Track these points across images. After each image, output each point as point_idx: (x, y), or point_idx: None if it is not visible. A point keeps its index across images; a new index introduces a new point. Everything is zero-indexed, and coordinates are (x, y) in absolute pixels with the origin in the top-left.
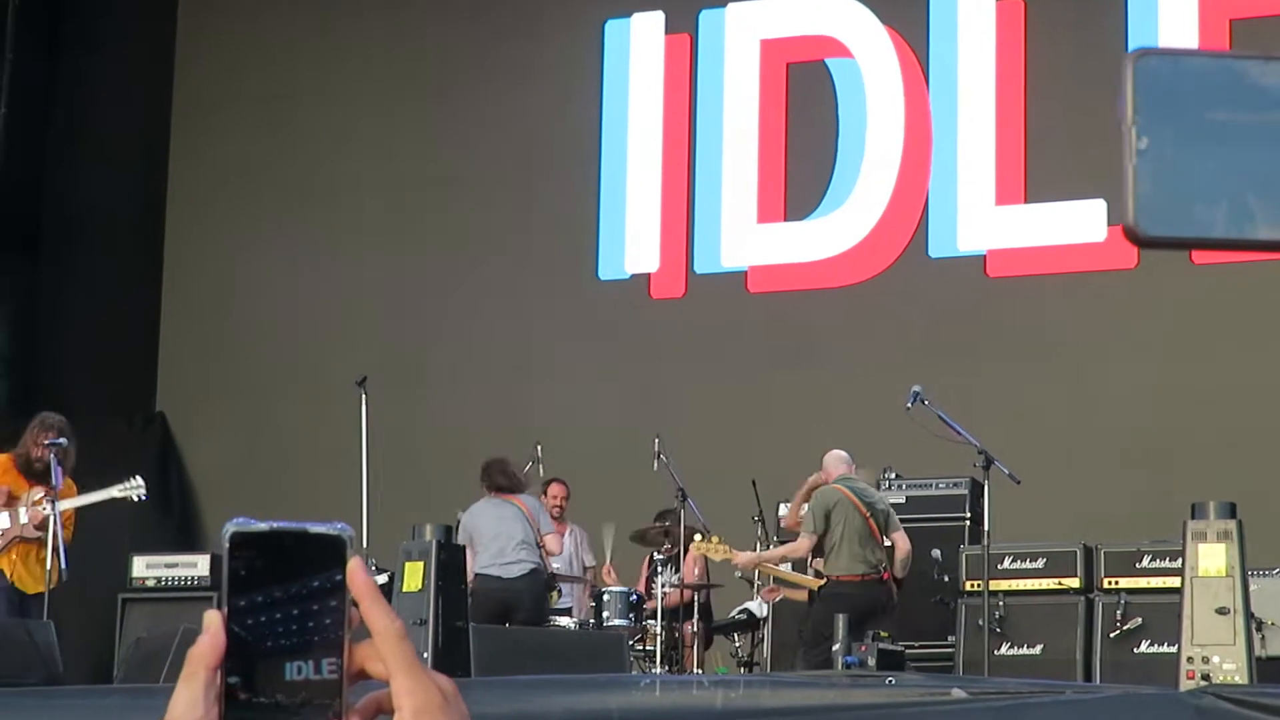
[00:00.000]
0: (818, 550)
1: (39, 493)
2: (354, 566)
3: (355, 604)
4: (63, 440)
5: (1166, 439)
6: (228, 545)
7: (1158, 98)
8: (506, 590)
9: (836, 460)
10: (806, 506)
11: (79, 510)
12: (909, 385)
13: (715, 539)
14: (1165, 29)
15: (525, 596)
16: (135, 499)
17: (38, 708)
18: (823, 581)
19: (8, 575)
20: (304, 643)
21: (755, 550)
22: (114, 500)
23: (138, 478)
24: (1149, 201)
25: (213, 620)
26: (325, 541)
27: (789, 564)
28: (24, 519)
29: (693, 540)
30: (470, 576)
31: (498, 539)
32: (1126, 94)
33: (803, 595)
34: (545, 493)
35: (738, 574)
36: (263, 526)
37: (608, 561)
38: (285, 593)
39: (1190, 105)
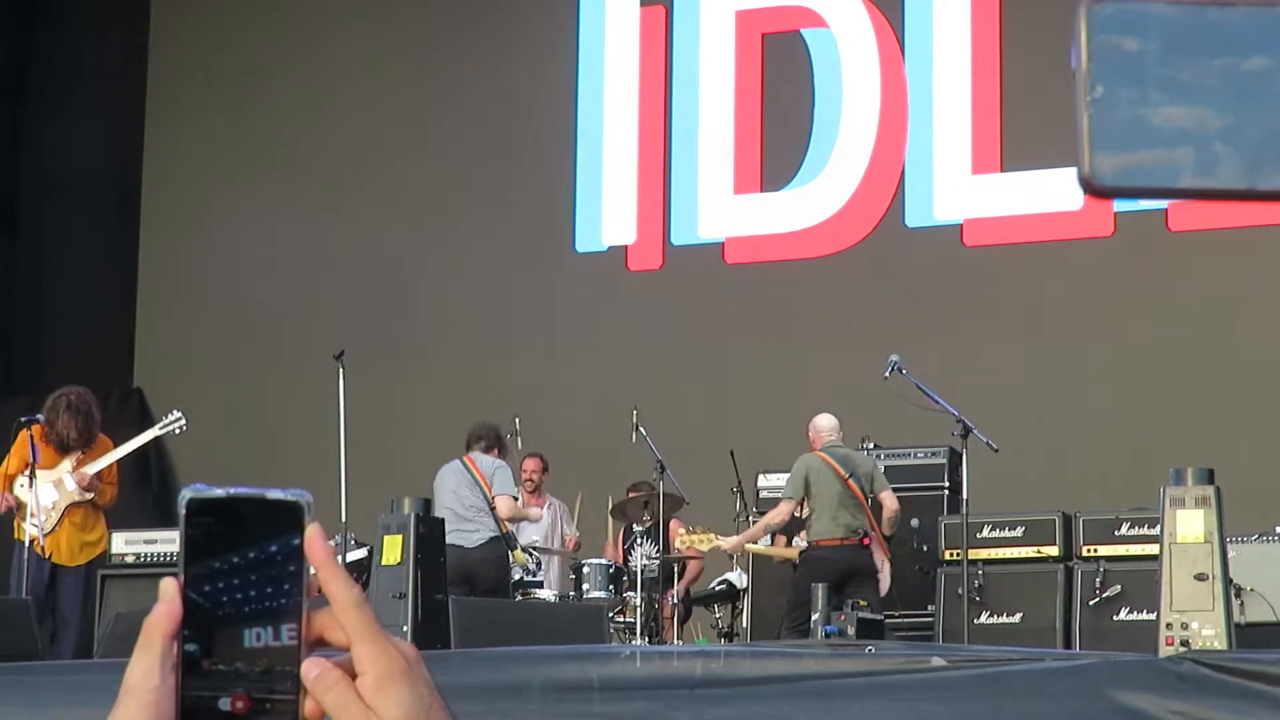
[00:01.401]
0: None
1: (71, 461)
2: (312, 533)
3: (314, 571)
4: (39, 417)
5: (1144, 406)
6: (184, 512)
7: (1112, 45)
8: (466, 560)
9: (821, 427)
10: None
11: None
12: (887, 355)
13: (699, 528)
14: None
15: (486, 566)
16: (177, 431)
17: (16, 684)
18: (803, 548)
19: (44, 551)
20: (263, 609)
21: (736, 533)
22: (143, 456)
23: (176, 411)
24: (1105, 151)
25: (169, 588)
26: (283, 507)
27: (769, 535)
28: (70, 485)
29: (678, 534)
30: None
31: (456, 504)
32: (1080, 41)
33: (779, 553)
34: (521, 467)
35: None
36: (220, 492)
37: (574, 527)
38: (243, 559)
39: (1146, 52)
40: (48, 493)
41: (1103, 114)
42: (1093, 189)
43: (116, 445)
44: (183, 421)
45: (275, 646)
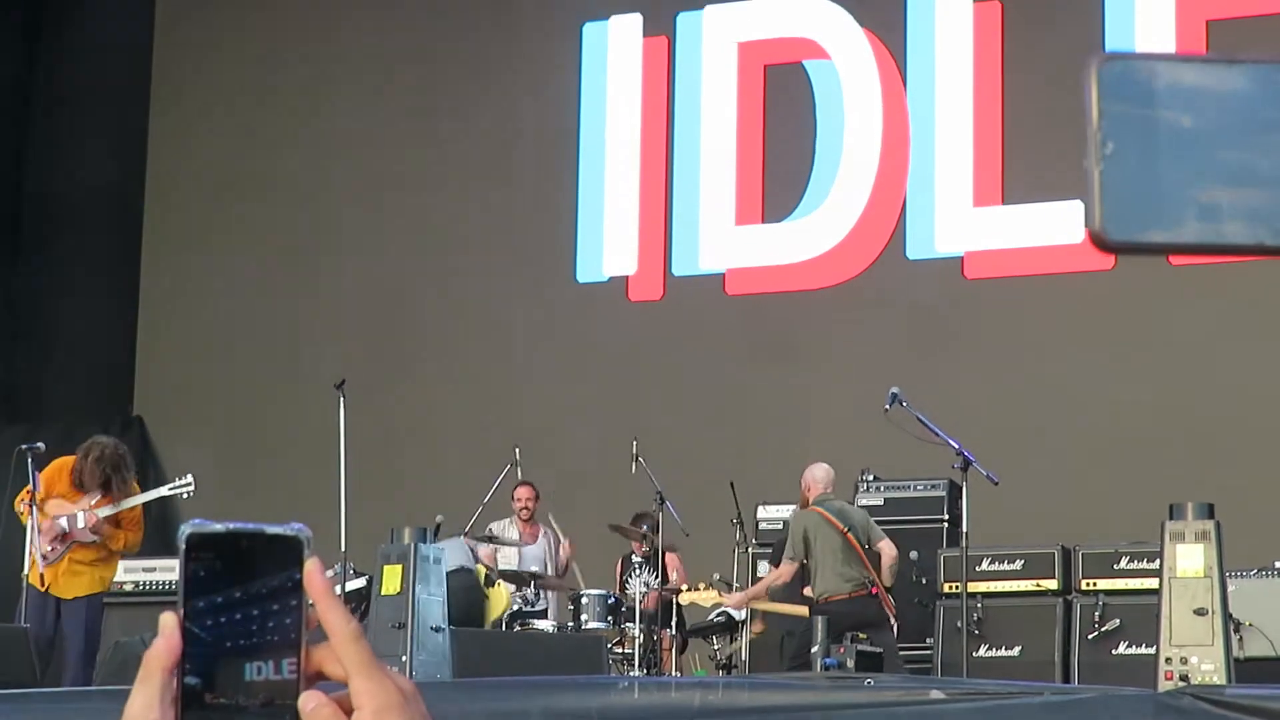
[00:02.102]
0: (807, 575)
1: (94, 498)
2: (311, 567)
3: (312, 605)
4: (40, 445)
5: (1144, 440)
6: (184, 547)
7: (1122, 102)
8: None
9: (817, 479)
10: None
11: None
12: (887, 387)
13: (702, 585)
14: (1142, 31)
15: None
16: (184, 496)
17: (15, 711)
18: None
19: (40, 586)
20: (263, 643)
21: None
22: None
23: (189, 475)
24: (1115, 207)
25: (168, 622)
26: (283, 542)
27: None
28: (81, 523)
29: (683, 588)
30: None
31: None
32: (1091, 99)
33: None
34: (513, 495)
35: (716, 577)
36: (219, 528)
37: (565, 541)
38: (244, 593)
39: (1155, 109)
40: (59, 525)
41: (1114, 170)
42: (1104, 244)
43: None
44: (192, 487)
45: (275, 680)
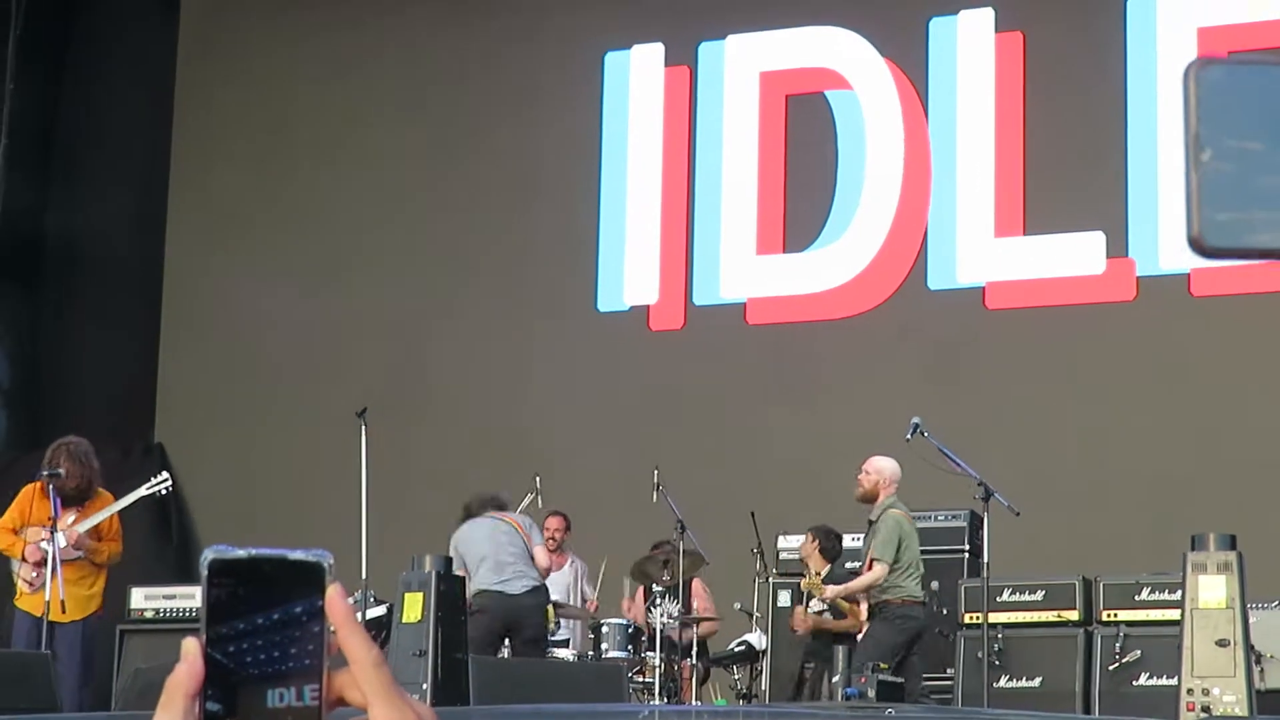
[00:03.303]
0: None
1: (70, 516)
2: (333, 593)
3: (333, 631)
4: (60, 471)
5: (1166, 471)
6: (206, 573)
7: (1219, 108)
8: (511, 607)
9: (895, 476)
10: (879, 535)
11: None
12: (908, 417)
13: (813, 574)
14: (1164, 62)
15: (531, 614)
16: (163, 493)
17: None
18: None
19: (34, 612)
20: (286, 670)
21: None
22: (143, 499)
23: (164, 473)
24: (1213, 212)
25: (190, 648)
26: (305, 568)
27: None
28: (61, 542)
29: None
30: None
31: (495, 553)
32: (1189, 104)
33: (842, 625)
34: (543, 525)
35: (737, 607)
36: (241, 553)
37: (595, 591)
38: (266, 619)
39: (1254, 113)
40: (41, 549)
41: (1212, 175)
42: (1202, 249)
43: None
44: (169, 483)
45: (298, 707)
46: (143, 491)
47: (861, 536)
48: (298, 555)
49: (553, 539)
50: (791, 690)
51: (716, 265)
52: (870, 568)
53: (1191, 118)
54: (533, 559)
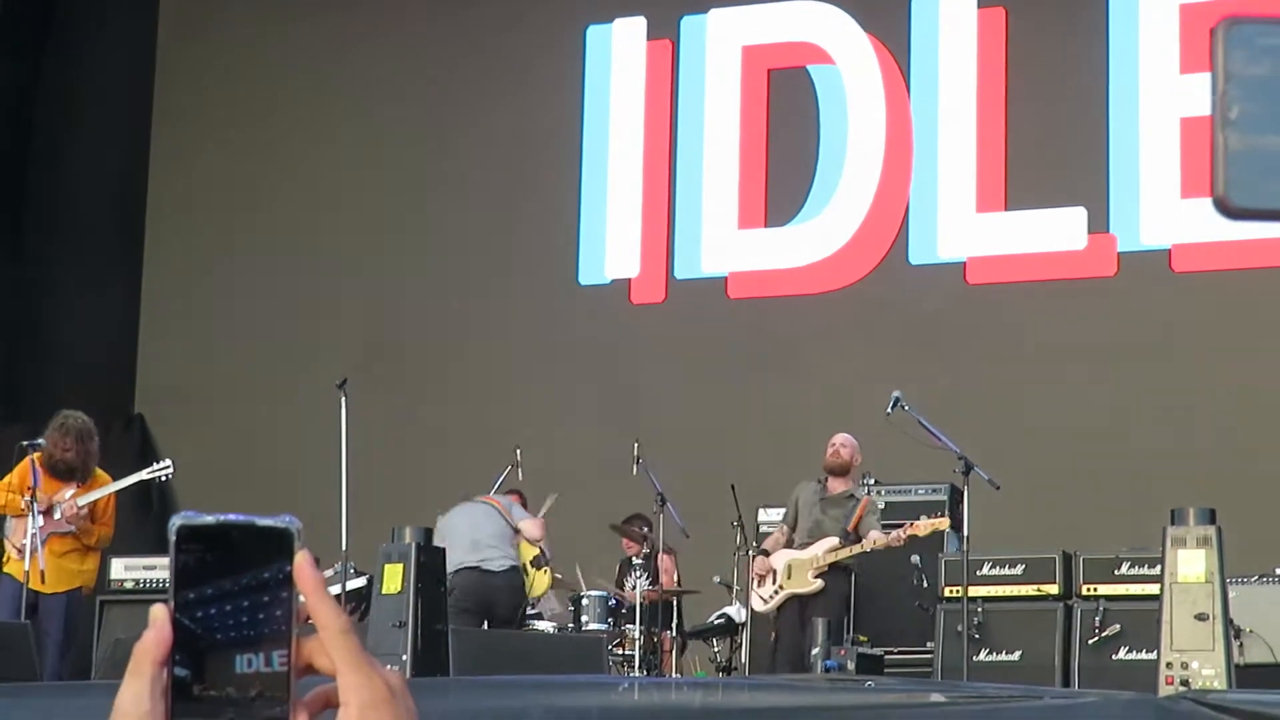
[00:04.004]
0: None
1: (69, 490)
2: (301, 560)
3: (302, 598)
4: (40, 442)
5: (1145, 445)
6: (174, 538)
7: (1249, 66)
8: (488, 586)
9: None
10: (874, 514)
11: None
12: (889, 391)
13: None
14: (1146, 38)
15: (505, 593)
16: (163, 479)
17: (15, 705)
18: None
19: (18, 577)
20: (254, 635)
21: (735, 568)
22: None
23: (166, 460)
24: (1240, 172)
25: (159, 614)
26: (273, 534)
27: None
28: (57, 515)
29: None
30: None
31: (472, 532)
32: (1218, 61)
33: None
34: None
35: (716, 580)
36: (210, 519)
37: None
38: (234, 585)
39: None
40: (36, 520)
41: (1239, 135)
42: (1228, 210)
43: (114, 479)
44: (170, 470)
45: (266, 673)
46: (144, 475)
47: (782, 511)
48: (265, 522)
49: None
50: (769, 659)
51: (698, 239)
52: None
53: (1219, 77)
54: (515, 534)
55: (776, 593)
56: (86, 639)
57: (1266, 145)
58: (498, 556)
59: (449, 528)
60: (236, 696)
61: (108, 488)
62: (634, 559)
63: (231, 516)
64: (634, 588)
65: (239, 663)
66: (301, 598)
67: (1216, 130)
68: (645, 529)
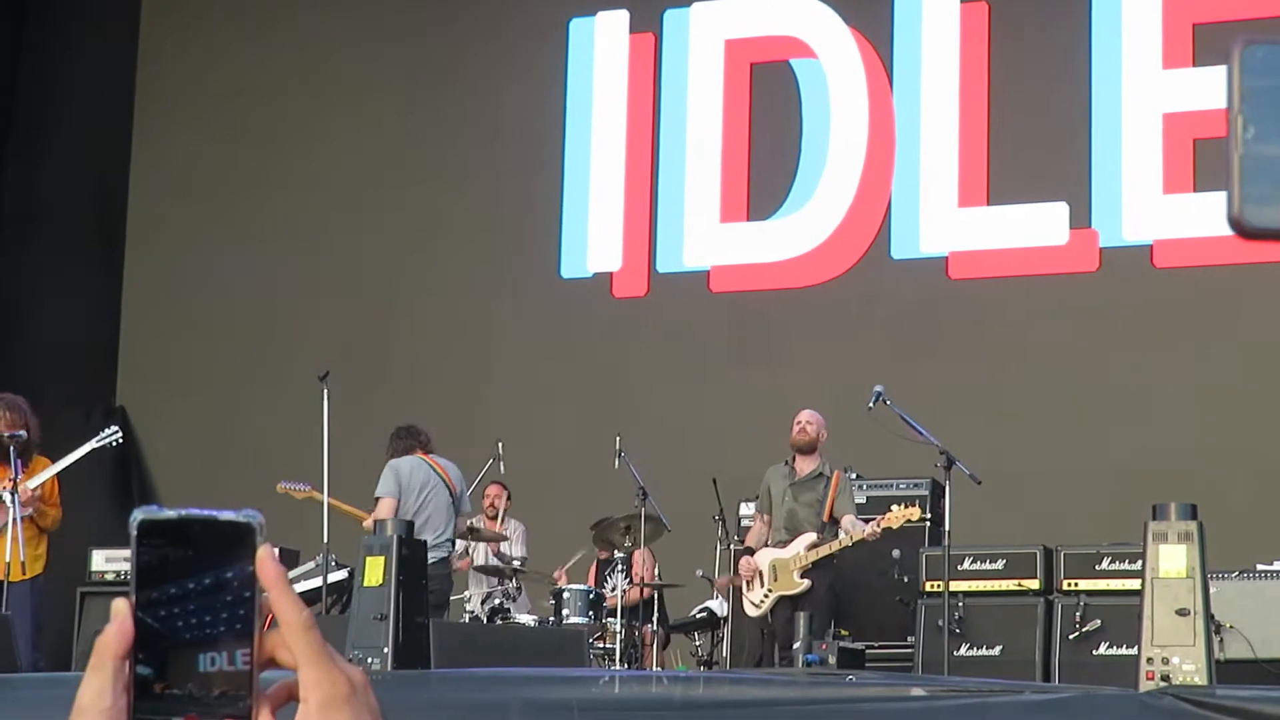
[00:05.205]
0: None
1: (10, 478)
2: (264, 555)
3: (265, 592)
4: (21, 434)
5: (1127, 441)
6: (135, 533)
7: (1265, 86)
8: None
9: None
10: (845, 493)
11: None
12: (871, 385)
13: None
14: (1129, 34)
15: (442, 581)
16: (113, 445)
17: None
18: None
19: None
20: (217, 634)
21: (716, 561)
22: (93, 453)
23: (112, 425)
24: (1255, 192)
25: (120, 609)
26: (235, 529)
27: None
28: (6, 499)
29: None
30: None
31: (431, 508)
32: (1233, 81)
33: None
34: (483, 494)
35: (698, 574)
36: (171, 514)
37: (563, 568)
38: (197, 583)
39: None
40: (17, 508)
41: (1255, 154)
42: (1242, 229)
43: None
44: (119, 435)
45: (229, 671)
46: (92, 444)
47: (753, 502)
48: (228, 516)
49: (492, 506)
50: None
51: (680, 233)
52: (842, 520)
53: (1235, 96)
54: (456, 513)
55: (767, 596)
56: (66, 630)
57: None
58: (444, 540)
59: (410, 484)
60: (199, 694)
61: (56, 465)
62: (618, 552)
63: (193, 510)
64: (614, 589)
65: (202, 661)
66: (264, 592)
67: (1232, 151)
68: (614, 533)
